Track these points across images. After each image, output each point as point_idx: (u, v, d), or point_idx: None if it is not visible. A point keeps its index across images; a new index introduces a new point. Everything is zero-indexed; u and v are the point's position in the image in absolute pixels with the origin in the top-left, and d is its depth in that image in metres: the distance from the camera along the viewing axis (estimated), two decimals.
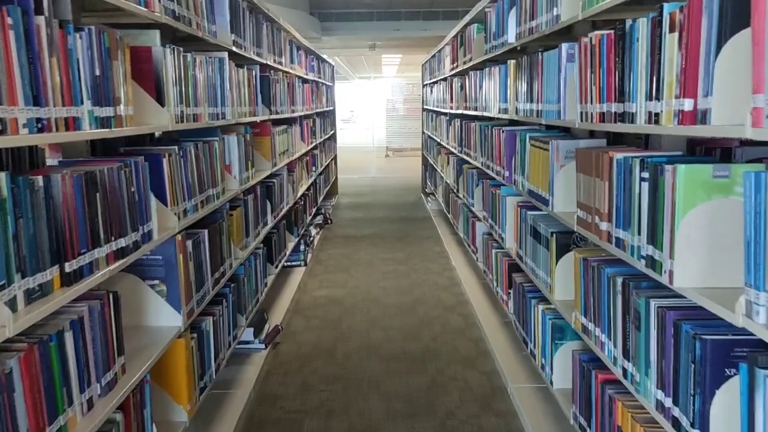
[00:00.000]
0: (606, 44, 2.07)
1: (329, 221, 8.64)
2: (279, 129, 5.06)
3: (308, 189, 7.21)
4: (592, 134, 2.98)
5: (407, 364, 4.11)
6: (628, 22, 1.89)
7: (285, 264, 5.71)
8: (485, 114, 4.62)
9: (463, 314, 5.05)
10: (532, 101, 3.09)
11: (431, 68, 9.40)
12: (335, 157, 11.28)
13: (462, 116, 6.04)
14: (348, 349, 4.38)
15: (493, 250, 4.25)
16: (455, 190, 6.46)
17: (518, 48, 3.70)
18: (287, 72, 5.70)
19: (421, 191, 11.39)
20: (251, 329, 4.18)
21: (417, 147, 18.63)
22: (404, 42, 13.31)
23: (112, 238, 1.89)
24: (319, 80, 8.76)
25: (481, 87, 4.76)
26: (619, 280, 2.01)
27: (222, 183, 3.30)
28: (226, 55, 3.29)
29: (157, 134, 3.19)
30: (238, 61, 3.88)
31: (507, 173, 3.69)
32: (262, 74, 4.54)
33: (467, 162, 5.59)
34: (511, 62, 3.60)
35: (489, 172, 4.36)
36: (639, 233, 1.84)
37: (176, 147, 2.57)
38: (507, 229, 3.76)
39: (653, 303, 1.78)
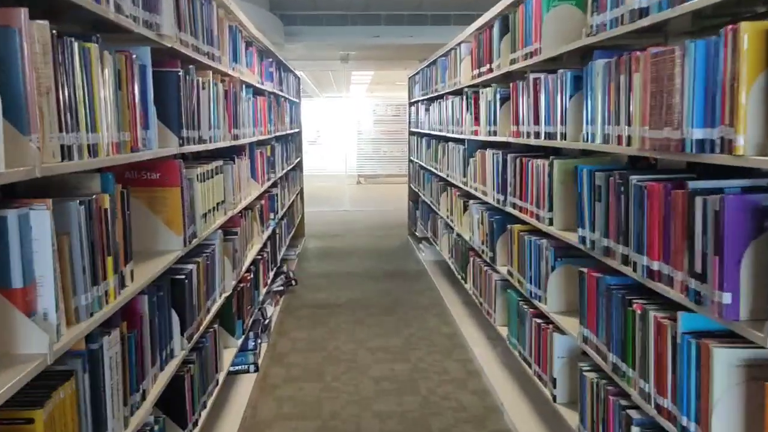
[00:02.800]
0: None
1: (293, 282, 6.40)
2: (205, 170, 2.85)
3: (263, 248, 4.98)
4: None
5: None
6: None
7: (228, 370, 3.49)
8: (571, 146, 2.49)
9: None
10: None
11: (425, 81, 7.30)
12: (301, 191, 9.06)
13: (504, 146, 3.90)
14: None
15: (637, 430, 2.06)
16: (486, 256, 4.29)
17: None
18: (225, 74, 3.51)
19: (408, 232, 9.22)
20: None
21: (394, 174, 16.48)
22: (383, 53, 11.23)
23: None
24: (281, 93, 6.58)
25: (569, 98, 2.62)
26: None
27: None
28: None
29: None
30: (81, 28, 1.68)
31: (729, 298, 1.53)
32: (162, 69, 2.34)
33: (521, 221, 3.43)
34: (748, 27, 1.46)
35: (613, 262, 2.21)
36: None
37: None
38: (716, 414, 1.60)
39: None
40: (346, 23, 9.86)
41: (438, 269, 7.00)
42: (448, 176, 5.70)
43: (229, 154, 3.72)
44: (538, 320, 3.11)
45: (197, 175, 2.66)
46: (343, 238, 9.38)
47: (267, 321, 4.80)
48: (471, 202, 4.64)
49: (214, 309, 3.04)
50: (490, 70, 4.02)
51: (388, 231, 9.81)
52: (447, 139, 5.74)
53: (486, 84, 4.22)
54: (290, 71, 7.81)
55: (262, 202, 4.98)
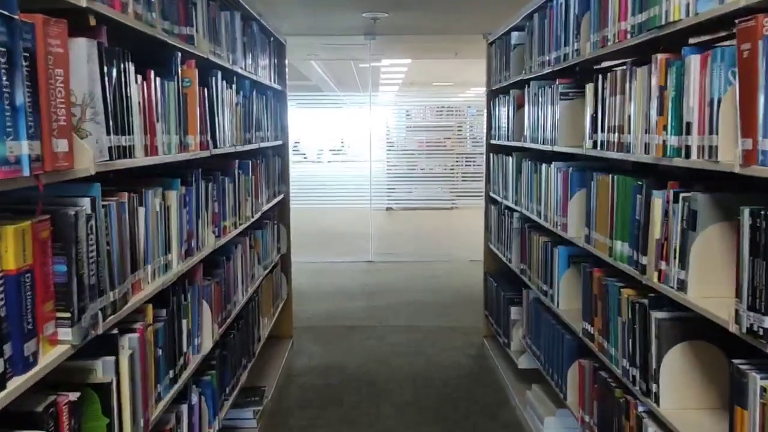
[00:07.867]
0: None
1: None
2: None
3: None
4: None
5: None
6: None
7: None
8: None
9: None
10: None
11: (548, 38, 3.17)
12: (283, 258, 4.96)
13: None
14: None
15: None
16: None
17: None
18: None
19: (486, 333, 5.02)
20: None
21: (434, 198, 12.20)
22: (427, 19, 7.11)
23: None
24: (221, 63, 2.51)
25: None
26: None
27: None
28: None
29: None
30: None
31: None
32: None
33: None
34: None
35: None
36: None
37: None
38: None
39: None
40: None
41: None
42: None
43: None
44: None
45: None
46: (365, 335, 5.19)
47: None
48: None
49: None
50: None
51: (445, 318, 5.60)
52: (730, 182, 1.59)
53: None
54: (255, 20, 3.72)
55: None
